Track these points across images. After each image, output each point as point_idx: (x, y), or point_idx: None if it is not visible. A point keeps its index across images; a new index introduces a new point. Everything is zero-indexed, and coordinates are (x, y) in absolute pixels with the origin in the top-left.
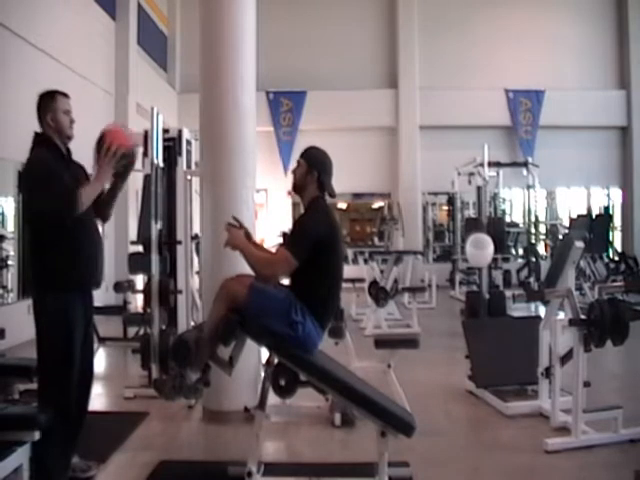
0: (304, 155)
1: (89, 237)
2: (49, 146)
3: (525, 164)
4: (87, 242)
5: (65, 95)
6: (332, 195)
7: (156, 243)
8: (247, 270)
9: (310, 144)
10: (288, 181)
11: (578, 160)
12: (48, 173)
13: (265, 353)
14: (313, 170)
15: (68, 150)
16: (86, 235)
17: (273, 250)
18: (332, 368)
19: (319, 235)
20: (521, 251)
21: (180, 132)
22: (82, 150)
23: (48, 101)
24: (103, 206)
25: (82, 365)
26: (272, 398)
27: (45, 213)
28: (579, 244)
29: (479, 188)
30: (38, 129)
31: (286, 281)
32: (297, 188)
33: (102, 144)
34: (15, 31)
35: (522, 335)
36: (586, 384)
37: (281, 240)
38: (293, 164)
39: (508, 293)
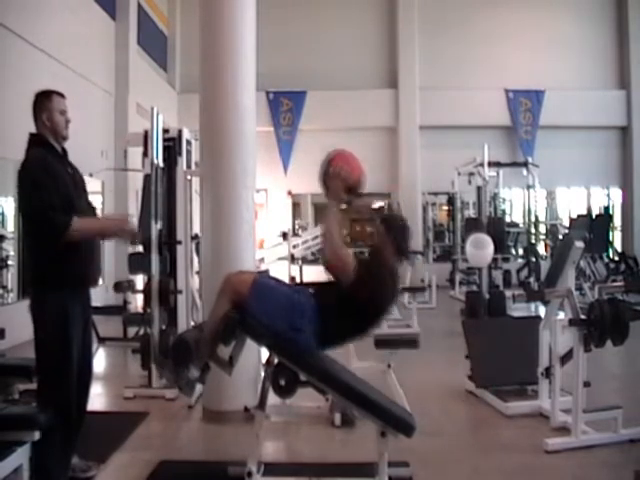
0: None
1: None
2: (45, 146)
3: (525, 164)
4: (84, 240)
5: (61, 95)
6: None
7: (156, 243)
8: (245, 268)
9: (310, 144)
10: (288, 181)
11: (578, 160)
12: (47, 174)
13: (265, 353)
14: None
15: (64, 150)
16: None
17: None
18: (332, 368)
19: (385, 294)
20: (521, 251)
21: (180, 132)
22: (82, 149)
23: (44, 100)
24: None
25: (81, 364)
26: (272, 398)
27: (41, 215)
28: (579, 244)
29: (479, 188)
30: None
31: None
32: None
33: (330, 166)
34: (15, 31)
35: (522, 335)
36: (586, 384)
37: (282, 240)
38: (293, 164)
39: (508, 293)
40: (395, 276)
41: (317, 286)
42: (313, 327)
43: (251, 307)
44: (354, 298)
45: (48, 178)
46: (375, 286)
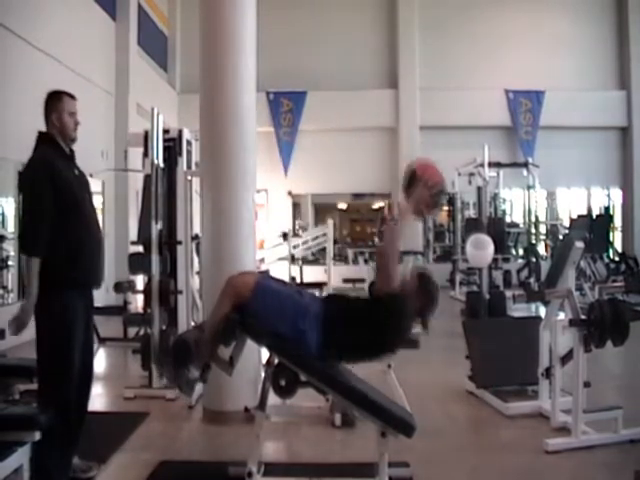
0: None
1: (90, 236)
2: (52, 145)
3: (525, 164)
4: (88, 241)
5: (72, 97)
6: None
7: (156, 243)
8: (246, 269)
9: (310, 144)
10: (288, 181)
11: (578, 160)
12: (48, 176)
13: (265, 353)
14: None
15: (72, 151)
16: (87, 234)
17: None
18: (332, 368)
19: (407, 318)
20: (521, 251)
21: (180, 132)
22: (82, 150)
23: (55, 101)
24: None
25: (81, 365)
26: (272, 398)
27: (27, 225)
28: (579, 244)
29: (479, 188)
30: (39, 129)
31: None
32: None
33: (415, 177)
34: (16, 32)
35: (522, 335)
36: (586, 384)
37: (282, 240)
38: (293, 164)
39: (508, 293)
40: (410, 322)
41: (336, 296)
42: (315, 329)
43: (253, 309)
44: (382, 304)
45: (47, 182)
46: (406, 305)
